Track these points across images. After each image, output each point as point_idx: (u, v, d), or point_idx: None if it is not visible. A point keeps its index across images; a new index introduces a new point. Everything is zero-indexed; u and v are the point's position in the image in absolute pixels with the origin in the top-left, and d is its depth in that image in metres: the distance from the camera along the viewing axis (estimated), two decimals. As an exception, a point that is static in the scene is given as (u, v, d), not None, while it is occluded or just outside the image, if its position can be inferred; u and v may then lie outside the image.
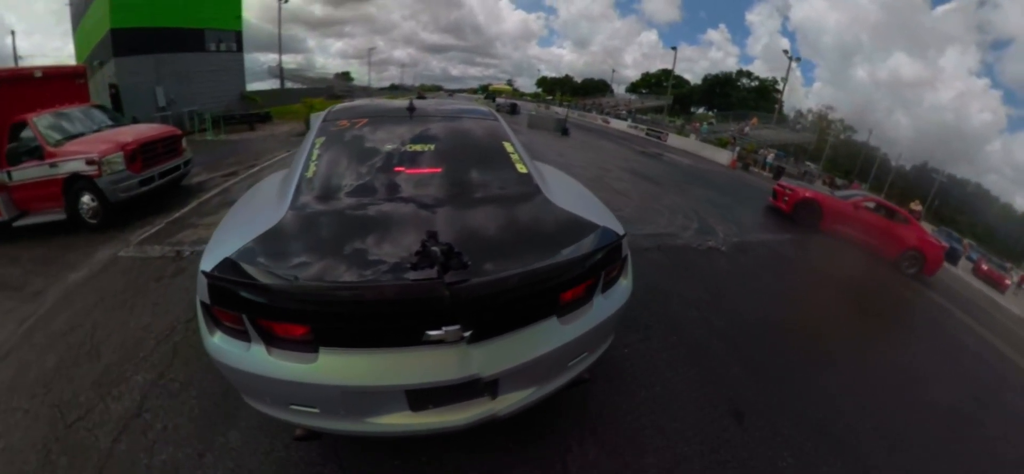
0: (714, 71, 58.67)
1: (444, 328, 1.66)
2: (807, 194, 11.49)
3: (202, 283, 1.75)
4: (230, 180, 9.21)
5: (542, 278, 1.86)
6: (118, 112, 10.48)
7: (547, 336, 1.96)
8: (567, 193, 2.70)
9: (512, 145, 2.89)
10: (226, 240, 1.97)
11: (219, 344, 1.82)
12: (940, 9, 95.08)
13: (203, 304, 1.82)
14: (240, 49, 20.69)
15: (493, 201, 2.38)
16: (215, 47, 19.93)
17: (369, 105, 3.67)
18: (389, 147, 2.66)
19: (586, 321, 2.07)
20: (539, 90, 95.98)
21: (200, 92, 19.04)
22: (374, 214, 2.17)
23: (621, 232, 2.22)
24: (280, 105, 35.72)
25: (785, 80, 41.67)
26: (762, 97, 69.25)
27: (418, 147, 2.67)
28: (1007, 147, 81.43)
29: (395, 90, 77.71)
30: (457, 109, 3.42)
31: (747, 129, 35.65)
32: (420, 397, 1.86)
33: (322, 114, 3.20)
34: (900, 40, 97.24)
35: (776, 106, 47.61)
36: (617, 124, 38.45)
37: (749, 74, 73.42)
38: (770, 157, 29.39)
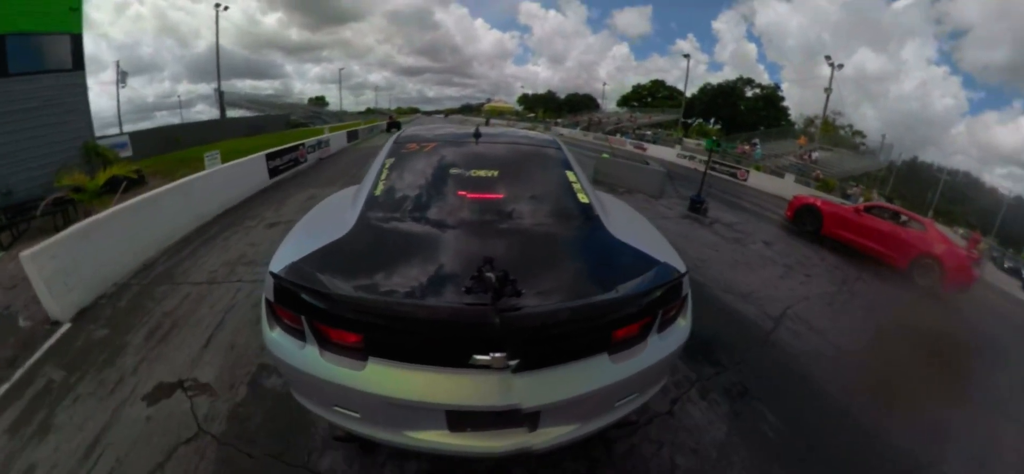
0: (684, 79, 53.39)
1: (491, 354, 1.66)
2: (807, 200, 11.84)
3: (269, 282, 1.87)
4: None
5: (595, 313, 1.83)
6: None
7: (596, 373, 1.91)
8: (629, 226, 2.65)
9: (575, 174, 2.88)
10: (296, 245, 2.10)
11: (277, 339, 1.92)
12: (898, 4, 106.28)
13: (267, 301, 1.93)
14: (80, 67, 11.37)
15: (552, 230, 2.37)
16: (38, 66, 10.79)
17: (438, 131, 3.50)
18: (454, 171, 2.71)
19: (639, 361, 1.99)
20: (520, 108, 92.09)
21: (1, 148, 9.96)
22: (434, 235, 2.21)
23: (682, 270, 2.15)
24: (211, 143, 26.80)
25: (829, 91, 34.34)
26: (770, 105, 64.04)
27: (482, 173, 2.70)
28: (971, 128, 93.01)
29: (370, 113, 74.01)
30: (521, 136, 3.47)
31: (816, 155, 28.37)
32: (459, 418, 1.86)
33: (394, 137, 3.30)
34: (862, 36, 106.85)
35: (826, 119, 40.81)
36: (659, 152, 29.42)
37: (750, 81, 68.42)
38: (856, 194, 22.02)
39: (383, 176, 2.67)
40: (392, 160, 2.84)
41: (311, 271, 1.84)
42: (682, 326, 2.21)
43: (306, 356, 1.83)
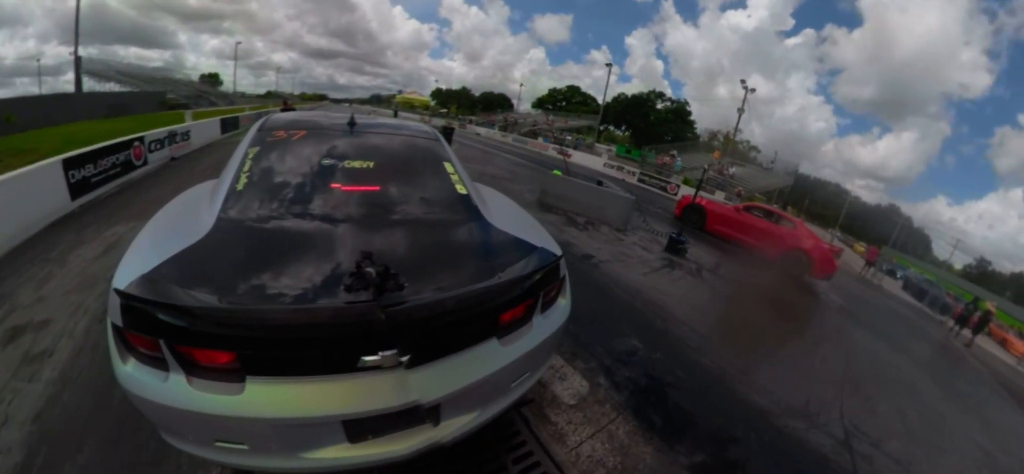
0: (597, 87, 55.53)
1: (380, 353, 1.59)
2: (692, 199, 12.06)
3: (114, 303, 1.54)
4: None
5: (481, 299, 1.82)
6: None
7: (488, 358, 1.92)
8: (506, 215, 2.65)
9: (452, 165, 2.81)
10: (144, 254, 1.78)
11: (133, 374, 1.60)
12: (789, 41, 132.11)
13: (115, 327, 1.61)
14: None
15: (432, 222, 2.31)
16: None
17: (309, 117, 3.24)
18: (326, 162, 2.51)
19: (526, 342, 2.04)
20: (433, 102, 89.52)
21: None
22: (307, 232, 2.03)
23: (559, 253, 2.22)
24: (58, 124, 20.56)
25: (742, 110, 35.99)
26: (678, 118, 67.52)
27: (356, 164, 2.55)
28: (838, 147, 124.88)
29: (270, 97, 67.98)
30: (398, 126, 3.32)
31: (732, 170, 29.15)
32: (358, 428, 1.75)
33: (258, 123, 2.99)
34: (756, 65, 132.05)
35: (726, 135, 42.83)
36: (585, 160, 28.17)
37: (662, 95, 71.90)
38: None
39: (245, 168, 2.38)
40: (256, 150, 2.54)
41: (166, 284, 1.56)
42: (563, 305, 2.34)
43: (172, 388, 1.57)
